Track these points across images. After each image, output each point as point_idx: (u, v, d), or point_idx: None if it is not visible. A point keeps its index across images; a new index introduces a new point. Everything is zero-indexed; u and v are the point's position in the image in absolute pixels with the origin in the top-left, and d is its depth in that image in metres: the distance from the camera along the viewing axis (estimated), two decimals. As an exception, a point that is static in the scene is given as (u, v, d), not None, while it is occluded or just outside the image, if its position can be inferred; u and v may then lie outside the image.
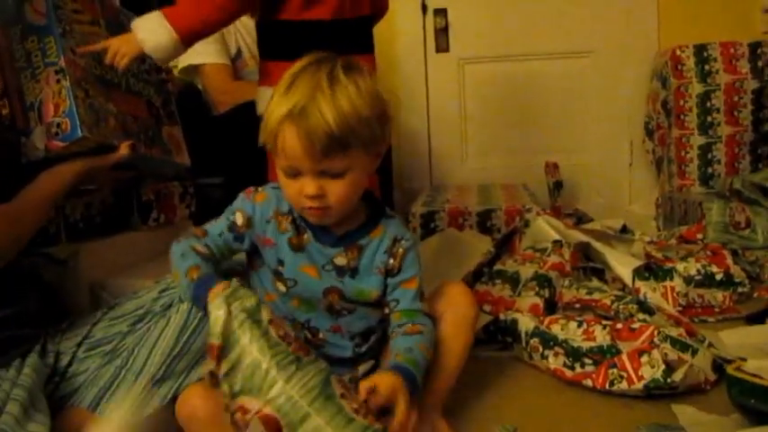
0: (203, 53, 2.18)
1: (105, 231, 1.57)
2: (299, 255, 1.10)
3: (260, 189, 1.14)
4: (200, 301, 0.98)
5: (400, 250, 1.13)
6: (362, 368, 1.16)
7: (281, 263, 1.10)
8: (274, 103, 1.01)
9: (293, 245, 1.10)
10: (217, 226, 1.13)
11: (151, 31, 1.38)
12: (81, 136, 1.14)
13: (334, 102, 0.98)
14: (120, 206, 1.64)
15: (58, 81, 1.16)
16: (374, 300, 1.12)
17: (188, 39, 1.40)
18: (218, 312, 0.90)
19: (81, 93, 1.17)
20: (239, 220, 1.11)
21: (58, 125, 1.15)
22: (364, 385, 0.94)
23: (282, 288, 1.11)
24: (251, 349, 0.89)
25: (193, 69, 2.24)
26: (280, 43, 1.57)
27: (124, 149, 1.20)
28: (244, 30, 2.24)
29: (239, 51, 2.24)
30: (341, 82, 1.00)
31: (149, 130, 1.32)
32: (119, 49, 1.36)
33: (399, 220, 1.17)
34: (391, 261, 1.12)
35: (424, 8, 3.24)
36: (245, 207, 1.12)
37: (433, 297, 1.19)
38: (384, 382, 0.97)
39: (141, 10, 1.44)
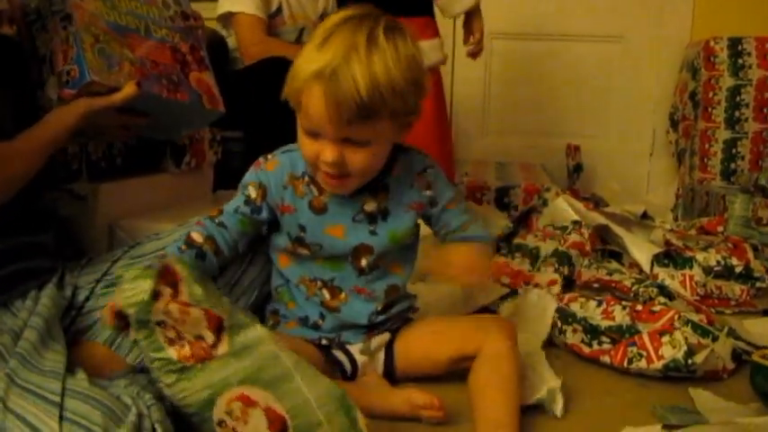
0: (241, 2, 2.15)
1: (130, 172, 1.56)
2: (321, 217, 1.07)
3: (269, 157, 1.11)
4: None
5: (429, 179, 1.12)
6: (376, 341, 1.14)
7: (302, 228, 1.07)
8: (305, 57, 0.95)
9: (315, 207, 1.07)
10: (233, 202, 1.11)
11: None
12: (90, 80, 1.10)
13: (369, 68, 0.92)
14: (152, 149, 1.62)
15: (65, 28, 1.13)
16: (407, 239, 1.11)
17: None
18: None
19: (89, 38, 1.13)
20: (253, 192, 1.09)
21: (68, 72, 1.11)
22: None
23: (306, 252, 1.08)
24: (268, 339, 0.84)
25: (229, 17, 2.22)
26: None
27: (129, 88, 1.13)
28: None
29: (279, 8, 2.21)
30: (379, 45, 0.94)
31: (173, 74, 1.28)
32: None
33: (414, 150, 1.13)
34: (427, 193, 1.11)
35: (456, -21, 3.19)
36: (259, 177, 1.09)
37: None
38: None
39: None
